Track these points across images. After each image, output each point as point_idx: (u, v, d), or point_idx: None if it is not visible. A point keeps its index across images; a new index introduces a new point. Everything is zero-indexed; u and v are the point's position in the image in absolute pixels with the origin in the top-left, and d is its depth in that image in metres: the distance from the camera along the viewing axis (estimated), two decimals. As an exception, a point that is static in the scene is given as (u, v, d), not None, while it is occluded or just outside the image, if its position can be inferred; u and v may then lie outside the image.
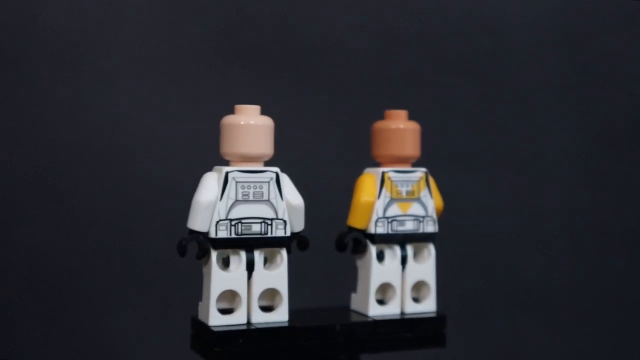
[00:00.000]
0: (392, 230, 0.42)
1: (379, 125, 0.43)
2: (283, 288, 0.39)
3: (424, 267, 0.43)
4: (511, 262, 0.70)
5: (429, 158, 0.72)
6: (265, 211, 0.38)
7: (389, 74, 0.69)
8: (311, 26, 0.68)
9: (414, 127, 0.43)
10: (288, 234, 0.39)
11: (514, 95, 0.71)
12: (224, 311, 0.39)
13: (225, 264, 0.39)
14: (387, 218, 0.42)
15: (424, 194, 0.43)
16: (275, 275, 0.39)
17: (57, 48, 0.64)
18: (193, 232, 0.38)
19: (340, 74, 0.68)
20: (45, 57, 0.64)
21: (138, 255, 0.65)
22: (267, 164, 0.40)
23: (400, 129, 0.42)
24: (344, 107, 0.68)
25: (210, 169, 0.39)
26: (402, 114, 0.43)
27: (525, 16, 0.70)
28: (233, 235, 0.38)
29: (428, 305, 0.43)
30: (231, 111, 0.39)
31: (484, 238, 0.69)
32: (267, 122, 0.39)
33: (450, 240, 0.68)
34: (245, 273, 0.38)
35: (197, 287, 0.39)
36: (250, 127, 0.38)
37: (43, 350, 0.64)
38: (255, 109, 0.39)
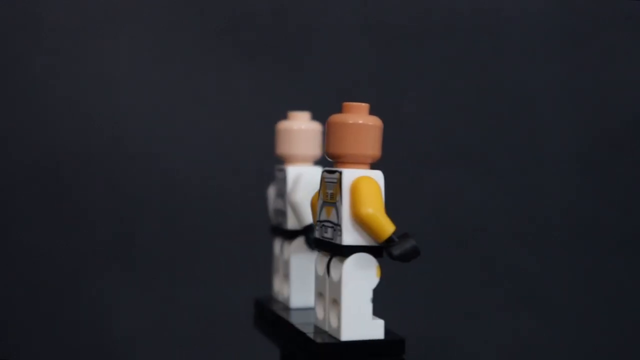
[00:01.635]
0: (320, 235, 0.37)
1: (334, 119, 0.36)
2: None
3: (337, 284, 0.35)
4: (511, 262, 0.70)
5: (428, 157, 0.72)
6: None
7: (389, 74, 0.69)
8: (311, 25, 0.68)
9: (374, 122, 0.36)
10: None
11: (514, 95, 0.71)
12: None
13: None
14: (320, 222, 0.37)
15: (339, 198, 0.35)
16: None
17: (57, 47, 0.64)
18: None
19: (339, 70, 0.68)
20: (46, 57, 0.64)
21: (138, 255, 0.65)
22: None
23: (358, 124, 0.35)
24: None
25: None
26: (362, 107, 0.36)
27: (525, 16, 0.71)
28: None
29: (342, 331, 0.35)
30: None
31: (484, 238, 0.69)
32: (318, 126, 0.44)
33: (450, 240, 0.69)
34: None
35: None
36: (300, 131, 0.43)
37: (43, 350, 0.64)
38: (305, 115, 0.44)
